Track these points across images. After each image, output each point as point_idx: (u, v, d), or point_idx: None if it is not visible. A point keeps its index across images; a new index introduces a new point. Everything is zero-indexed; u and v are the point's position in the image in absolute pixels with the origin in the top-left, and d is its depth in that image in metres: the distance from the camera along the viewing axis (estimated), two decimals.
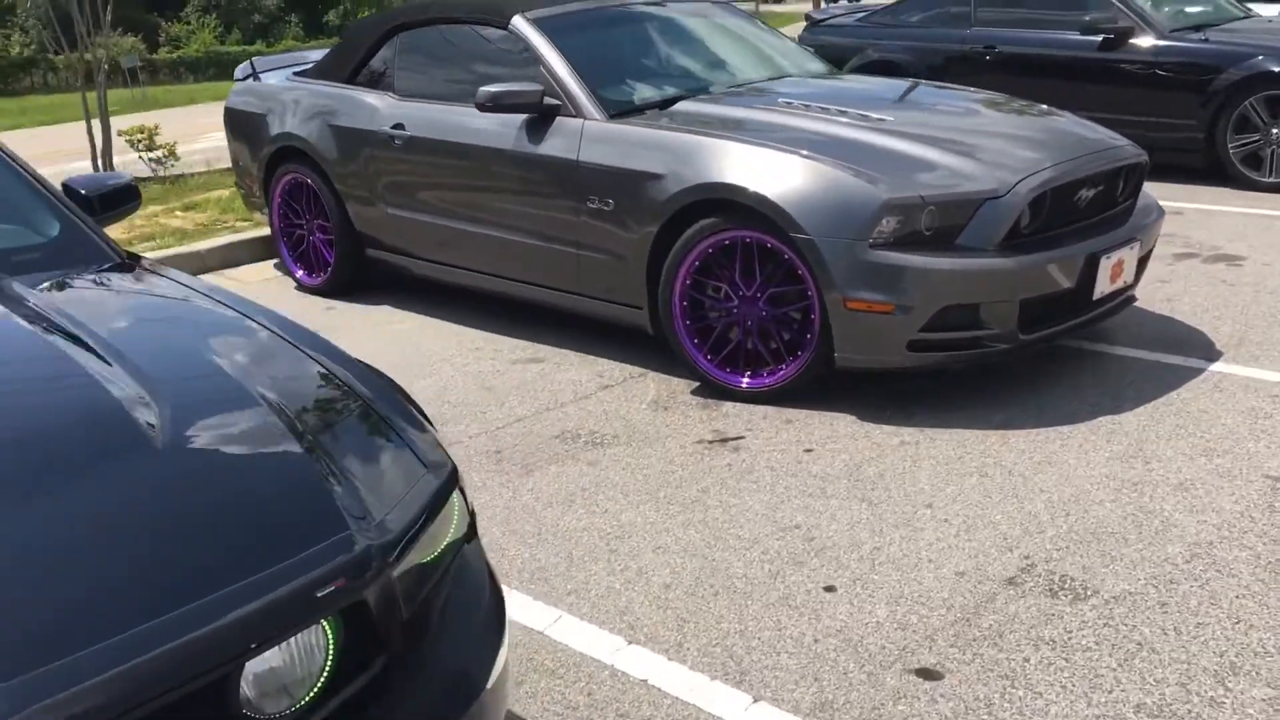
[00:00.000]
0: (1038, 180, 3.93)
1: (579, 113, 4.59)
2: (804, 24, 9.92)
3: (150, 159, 9.18)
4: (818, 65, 5.51)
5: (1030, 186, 3.91)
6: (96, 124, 9.13)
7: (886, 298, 3.83)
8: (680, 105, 4.59)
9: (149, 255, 6.43)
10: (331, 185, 5.59)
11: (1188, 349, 4.50)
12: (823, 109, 4.44)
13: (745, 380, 4.20)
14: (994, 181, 3.90)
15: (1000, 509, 3.31)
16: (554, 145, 4.60)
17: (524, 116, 4.71)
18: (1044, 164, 4.02)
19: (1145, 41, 7.53)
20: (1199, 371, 4.26)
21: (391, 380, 2.20)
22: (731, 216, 4.09)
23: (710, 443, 3.88)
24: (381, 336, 5.21)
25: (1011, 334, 3.94)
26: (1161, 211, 4.57)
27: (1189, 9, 8.06)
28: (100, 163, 9.28)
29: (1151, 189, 7.42)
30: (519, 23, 4.88)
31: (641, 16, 5.27)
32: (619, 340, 4.80)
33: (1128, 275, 4.23)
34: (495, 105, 4.60)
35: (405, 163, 5.23)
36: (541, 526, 3.36)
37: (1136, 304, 4.98)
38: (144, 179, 9.17)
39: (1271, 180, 7.13)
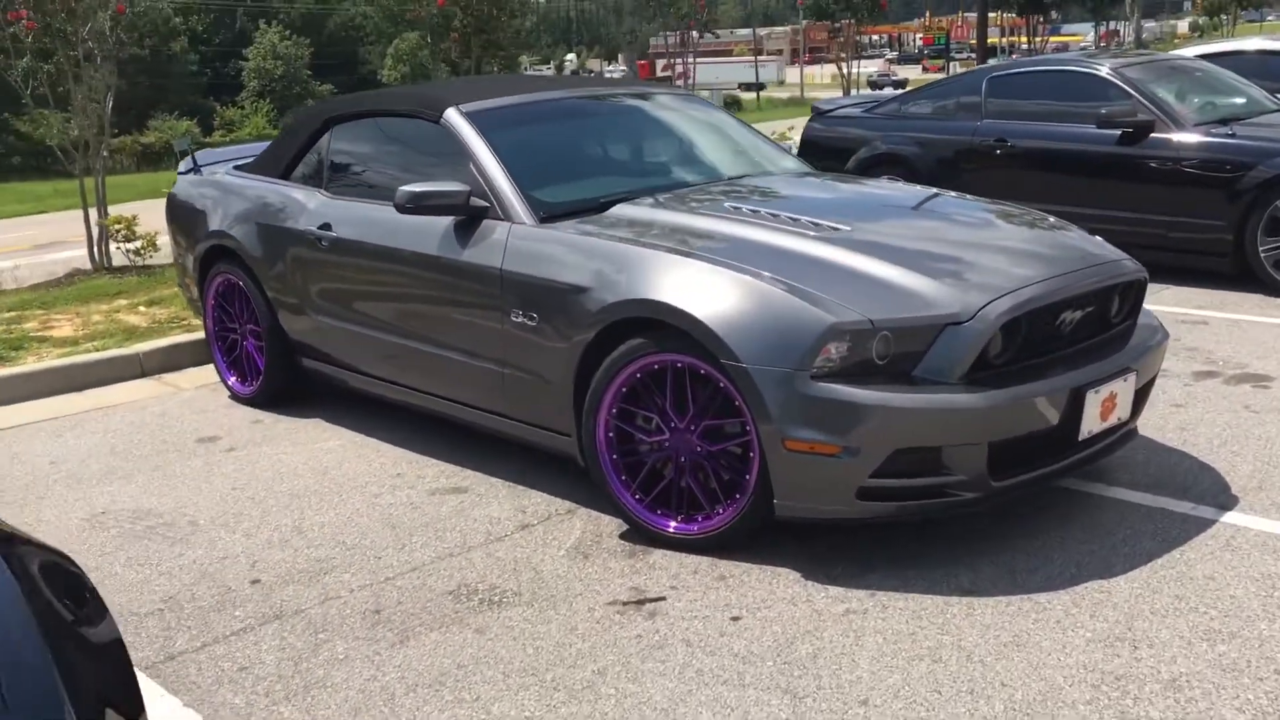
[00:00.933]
0: (1010, 303, 3.38)
1: (507, 216, 4.13)
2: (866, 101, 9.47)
3: (129, 250, 8.87)
4: (791, 164, 5.03)
5: (1000, 310, 3.36)
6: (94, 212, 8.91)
7: (831, 438, 3.28)
8: (617, 209, 4.11)
9: (81, 358, 6.11)
10: (262, 288, 5.17)
11: (1198, 493, 3.88)
12: (773, 216, 3.93)
13: (673, 525, 3.65)
14: (957, 304, 3.36)
15: (949, 709, 2.71)
16: (479, 252, 4.13)
17: (451, 219, 4.26)
18: (1021, 284, 3.47)
19: (1168, 136, 6.99)
20: (1209, 524, 3.65)
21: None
22: (661, 338, 3.57)
23: (625, 605, 3.31)
24: (301, 456, 4.72)
25: (981, 481, 3.37)
26: (1165, 334, 4.00)
27: (1218, 101, 7.52)
28: (96, 250, 9.02)
29: (1176, 295, 6.90)
30: (451, 116, 4.46)
31: (594, 109, 4.84)
32: (555, 470, 4.27)
33: (1122, 411, 3.64)
34: (417, 206, 4.15)
35: (332, 266, 4.79)
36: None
37: (1145, 434, 4.39)
38: (122, 269, 8.89)
39: None
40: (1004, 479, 3.40)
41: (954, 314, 3.34)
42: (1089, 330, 3.70)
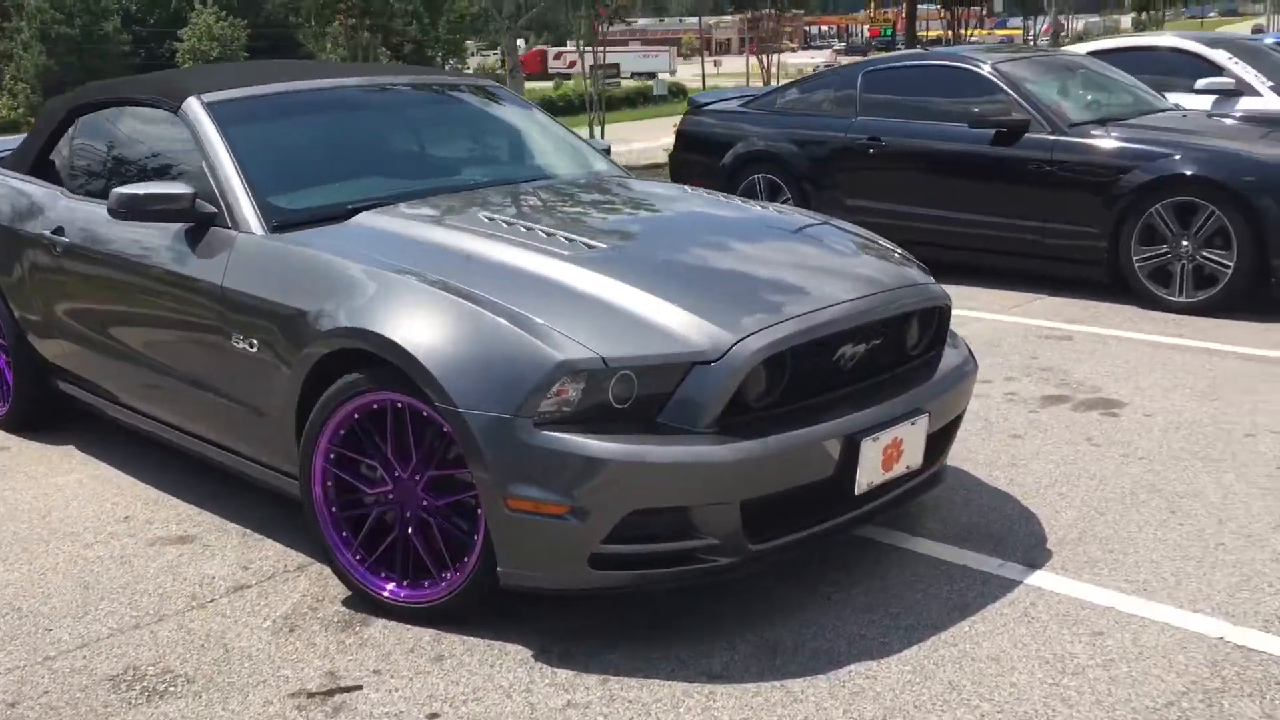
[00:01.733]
0: (767, 339, 2.89)
1: (235, 223, 3.57)
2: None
3: None
4: (600, 166, 4.50)
5: (755, 347, 2.87)
6: None
7: (556, 496, 2.77)
8: (360, 218, 3.57)
9: None
10: (6, 300, 4.57)
11: (1009, 546, 3.43)
12: (527, 229, 3.41)
13: (389, 589, 3.13)
14: (707, 340, 2.87)
15: None
16: (202, 265, 3.58)
17: (178, 226, 3.70)
18: (786, 315, 2.99)
19: (1043, 136, 6.58)
20: (1011, 586, 3.19)
21: None
22: (379, 374, 3.05)
23: (310, 696, 2.79)
24: (30, 494, 4.14)
25: (735, 544, 2.88)
26: (974, 366, 3.54)
27: (1102, 100, 7.13)
28: None
29: (1046, 306, 6.48)
30: (190, 106, 3.88)
31: (364, 102, 4.29)
32: (300, 518, 3.73)
33: (911, 458, 3.17)
34: (131, 211, 3.59)
35: (66, 276, 4.21)
36: None
37: (974, 470, 3.95)
38: None
39: (1181, 300, 6.13)
40: (763, 542, 2.92)
41: (702, 351, 2.84)
42: (880, 364, 3.23)
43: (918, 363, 3.36)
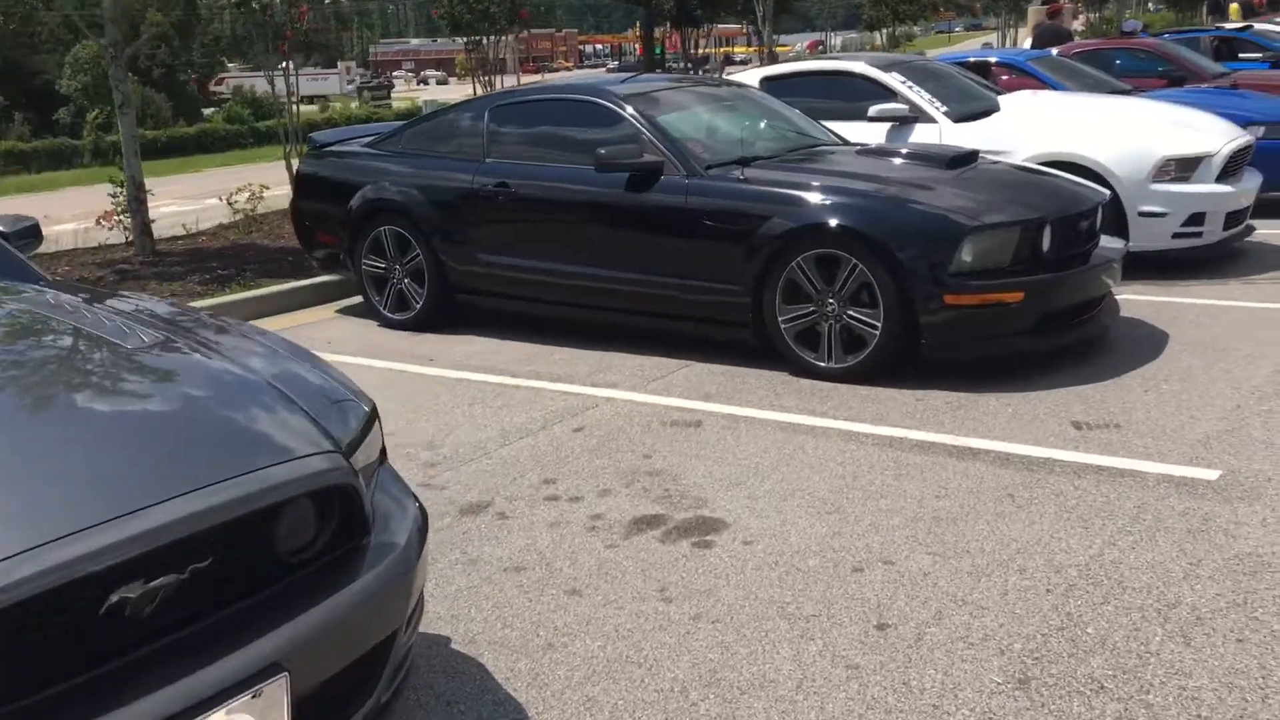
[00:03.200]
0: None
1: None
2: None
3: None
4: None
5: None
6: None
7: None
8: None
9: None
10: None
11: None
12: None
13: None
14: None
15: None
16: None
17: None
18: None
19: (677, 179, 5.69)
20: None
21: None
22: None
23: None
24: None
25: None
26: (410, 556, 2.47)
27: (756, 136, 6.31)
28: None
29: (687, 379, 5.26)
30: None
31: None
32: None
33: None
34: None
35: None
36: None
37: (494, 660, 2.90)
38: None
39: (831, 366, 5.33)
40: None
41: None
42: (219, 599, 2.11)
43: (308, 571, 2.26)
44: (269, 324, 6.96)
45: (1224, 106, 9.33)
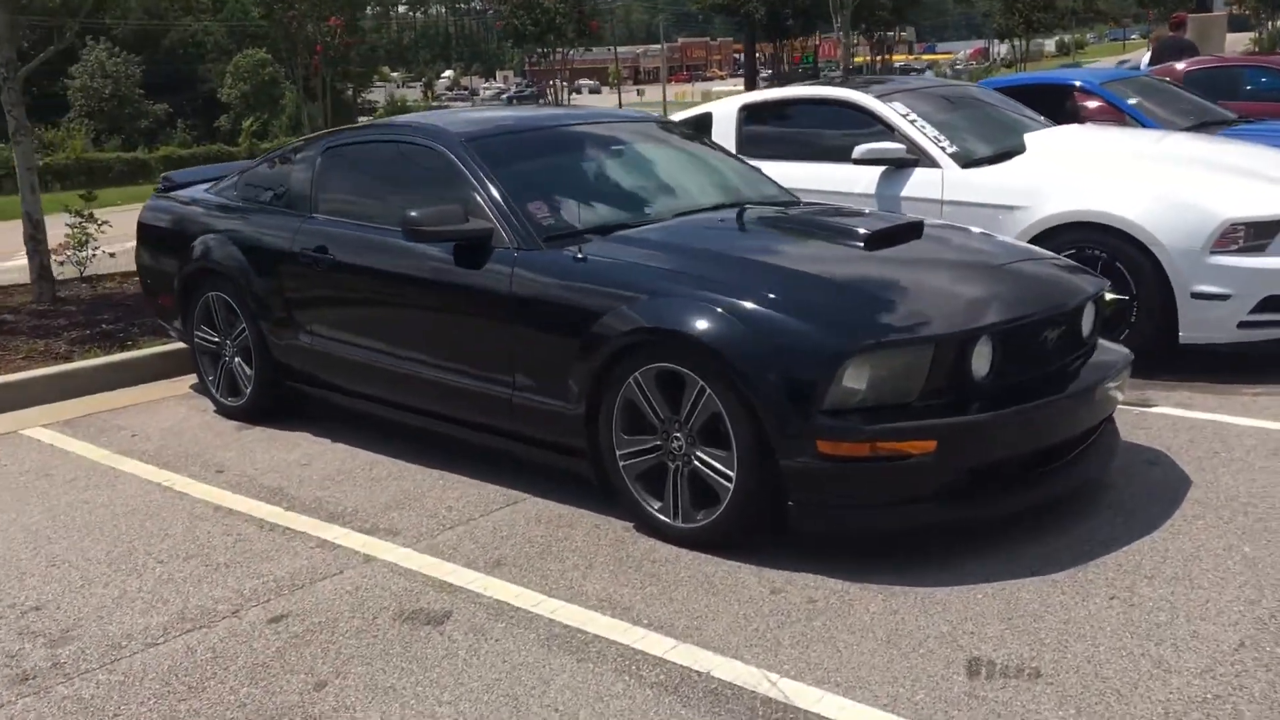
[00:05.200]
0: None
1: None
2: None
3: None
4: None
5: None
6: None
7: None
8: None
9: None
10: None
11: None
12: None
13: None
14: None
15: None
16: None
17: None
18: None
19: (506, 251, 4.29)
20: None
21: None
22: None
23: None
24: None
25: None
26: None
27: (645, 192, 4.85)
28: None
29: (496, 527, 3.90)
30: None
31: None
32: None
33: None
34: None
35: None
36: None
37: None
38: None
39: (677, 525, 3.83)
40: None
41: None
42: None
43: None
44: (77, 404, 5.85)
45: None
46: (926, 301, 3.73)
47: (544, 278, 4.13)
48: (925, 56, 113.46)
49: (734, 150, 6.81)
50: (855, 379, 3.49)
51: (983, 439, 3.56)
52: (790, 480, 3.55)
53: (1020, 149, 6.12)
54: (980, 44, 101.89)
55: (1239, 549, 3.59)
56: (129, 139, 55.27)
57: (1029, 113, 6.98)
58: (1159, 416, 4.92)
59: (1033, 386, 3.75)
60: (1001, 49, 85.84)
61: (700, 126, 7.07)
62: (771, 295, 3.68)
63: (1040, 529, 3.78)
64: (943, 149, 6.07)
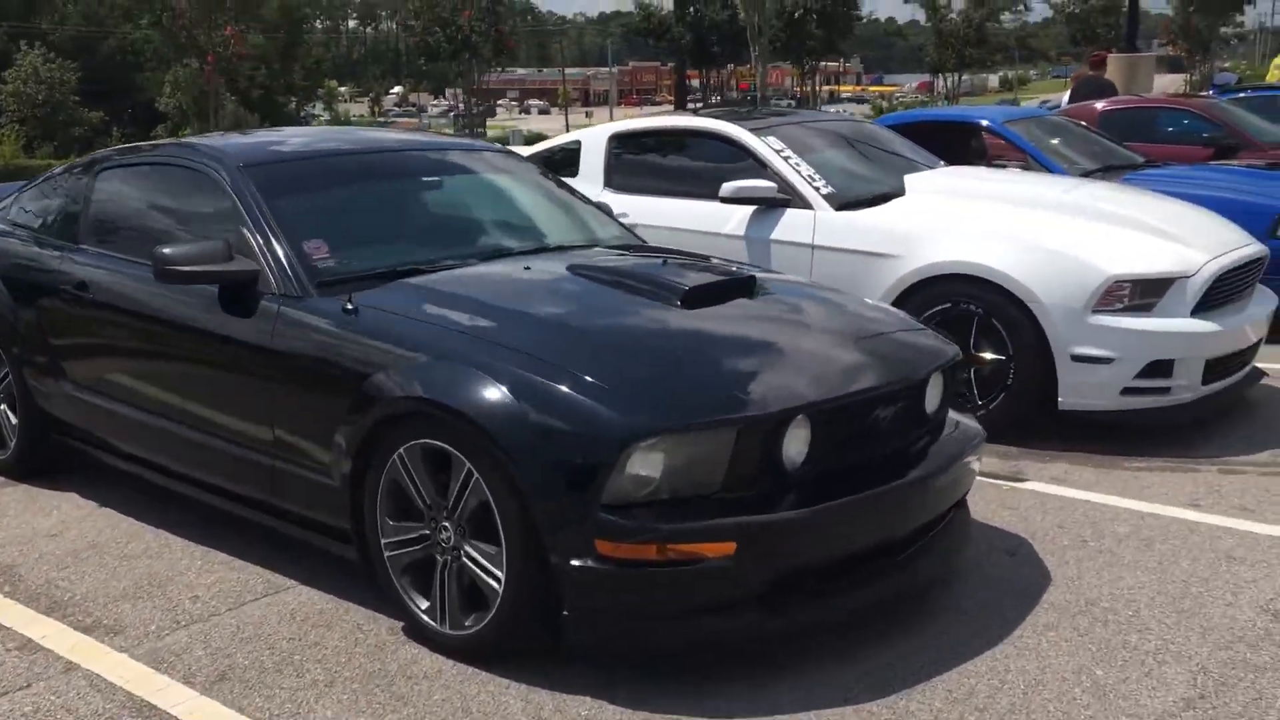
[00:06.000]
0: None
1: None
2: None
3: None
4: None
5: None
6: None
7: None
8: None
9: None
10: None
11: None
12: None
13: None
14: None
15: None
16: None
17: None
18: None
19: (268, 304, 3.69)
20: None
21: None
22: None
23: None
24: None
25: None
26: None
27: (449, 233, 4.28)
28: None
29: (240, 621, 3.27)
30: None
31: None
32: None
33: None
34: None
35: None
36: None
37: None
38: None
39: (440, 629, 3.22)
40: None
41: None
42: None
43: None
44: None
45: (1257, 193, 7.00)
46: (736, 375, 3.18)
47: (308, 330, 3.54)
48: (873, 88, 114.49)
49: (603, 184, 6.29)
50: (646, 466, 2.93)
51: (793, 539, 3.02)
52: (566, 586, 2.97)
53: (900, 191, 5.63)
54: (926, 77, 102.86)
55: (1090, 671, 3.07)
56: (62, 146, 53.81)
57: (921, 152, 6.52)
58: (1029, 494, 4.42)
59: (860, 475, 3.21)
60: (949, 82, 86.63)
61: (568, 157, 6.53)
62: (558, 363, 3.12)
63: (865, 642, 3.24)
64: (816, 189, 5.56)
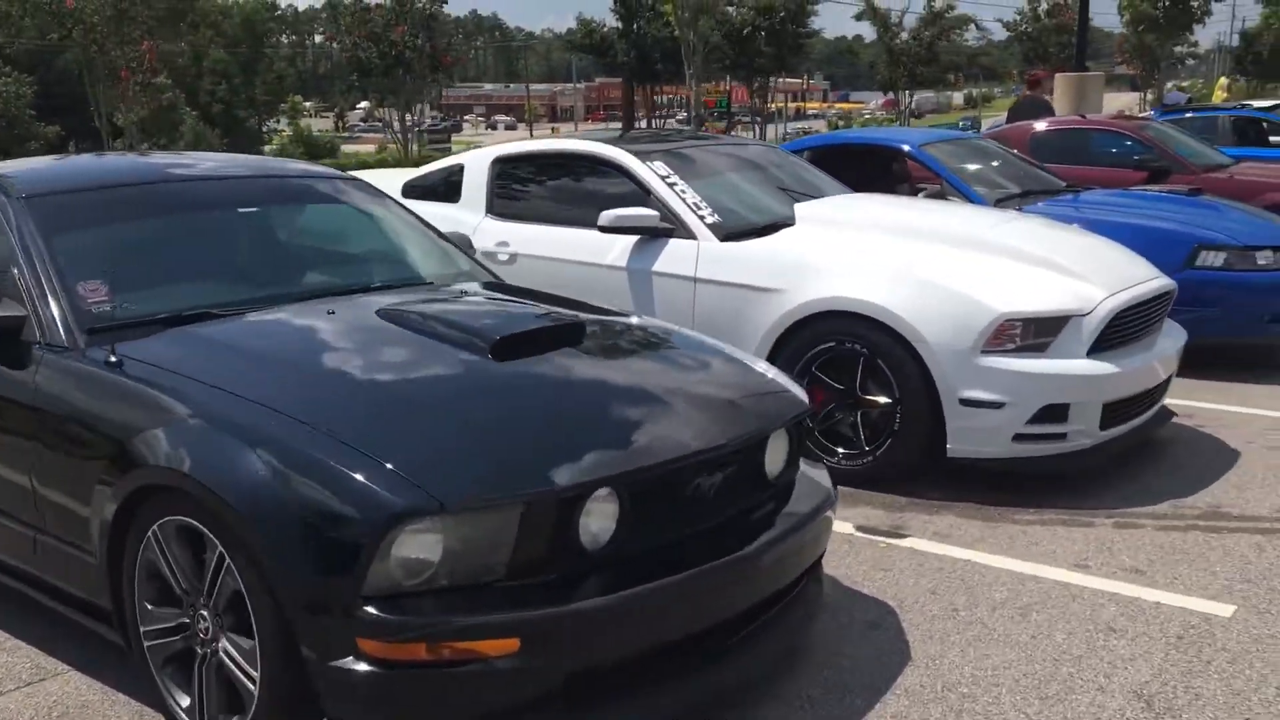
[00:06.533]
0: None
1: None
2: None
3: None
4: None
5: None
6: None
7: None
8: None
9: None
10: None
11: None
12: None
13: None
14: None
15: None
16: None
17: None
18: None
19: (35, 351, 3.28)
20: None
21: None
22: None
23: None
24: None
25: None
26: None
27: (270, 270, 3.88)
28: None
29: None
30: None
31: None
32: None
33: None
34: None
35: None
36: None
37: None
38: None
39: None
40: None
41: None
42: None
43: None
44: None
45: (1178, 221, 6.72)
46: (534, 442, 2.79)
47: (70, 384, 3.13)
48: (839, 105, 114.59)
49: (485, 210, 5.91)
50: (419, 549, 2.54)
51: (590, 632, 2.63)
52: (324, 690, 2.57)
53: (791, 221, 5.27)
54: (891, 95, 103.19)
55: None
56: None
57: (823, 178, 6.18)
58: (907, 553, 4.06)
59: (682, 552, 2.83)
60: (915, 100, 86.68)
61: (450, 181, 6.15)
62: (327, 429, 2.72)
63: None
64: (701, 218, 5.20)
